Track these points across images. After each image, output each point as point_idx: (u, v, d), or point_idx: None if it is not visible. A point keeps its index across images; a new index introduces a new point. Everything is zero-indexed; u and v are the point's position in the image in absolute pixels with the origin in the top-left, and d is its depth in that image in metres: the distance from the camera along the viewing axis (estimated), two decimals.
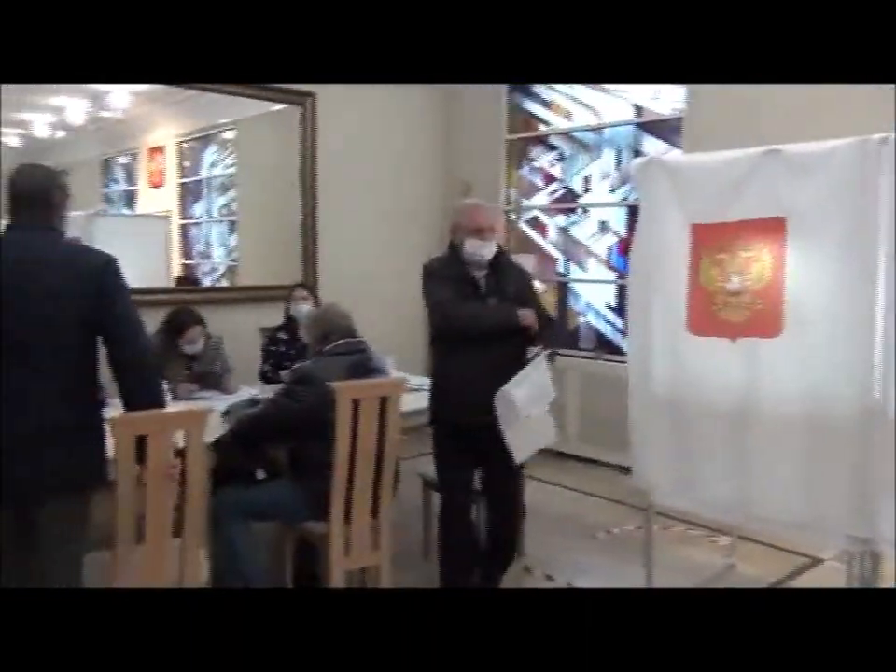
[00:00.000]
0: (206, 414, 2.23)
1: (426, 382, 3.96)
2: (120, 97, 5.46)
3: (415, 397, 3.45)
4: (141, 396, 2.15)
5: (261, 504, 2.82)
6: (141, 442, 2.10)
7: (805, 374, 2.42)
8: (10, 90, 4.35)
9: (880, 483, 2.28)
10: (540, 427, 2.81)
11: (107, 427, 2.13)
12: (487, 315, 2.75)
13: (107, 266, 2.12)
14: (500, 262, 2.84)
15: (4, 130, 7.33)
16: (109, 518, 3.47)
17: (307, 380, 2.77)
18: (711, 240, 2.59)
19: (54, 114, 6.84)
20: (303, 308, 3.79)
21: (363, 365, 2.91)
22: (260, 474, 2.92)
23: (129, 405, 2.14)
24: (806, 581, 3.24)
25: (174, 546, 2.23)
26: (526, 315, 2.73)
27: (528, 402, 2.68)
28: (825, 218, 2.35)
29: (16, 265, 2.02)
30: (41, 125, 6.94)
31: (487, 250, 2.76)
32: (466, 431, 2.78)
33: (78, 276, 2.06)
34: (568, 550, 3.71)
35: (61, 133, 7.08)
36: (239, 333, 4.15)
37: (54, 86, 5.11)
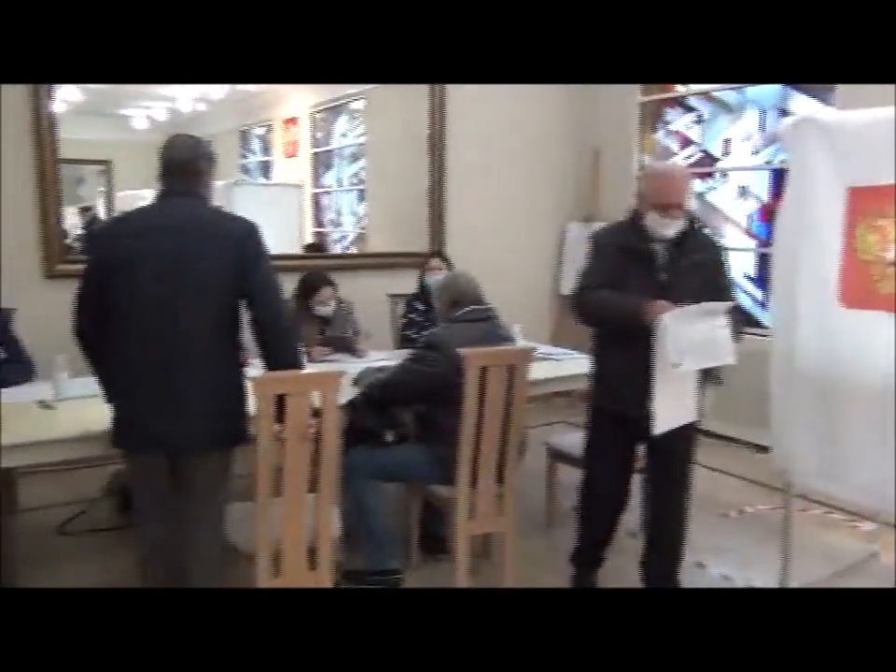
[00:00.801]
0: (341, 377, 2.30)
1: (554, 351, 3.93)
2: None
3: (542, 365, 3.42)
4: (281, 358, 2.24)
5: (391, 465, 2.90)
6: (280, 402, 2.19)
7: None
8: None
9: None
10: (687, 396, 2.49)
11: (249, 387, 2.24)
12: (613, 305, 2.47)
13: (251, 233, 2.21)
14: (688, 235, 2.50)
15: (152, 104, 7.79)
16: (250, 472, 3.69)
17: (437, 346, 2.81)
18: (870, 205, 2.38)
19: (198, 90, 7.20)
20: (437, 277, 3.82)
21: (491, 332, 2.93)
22: (389, 437, 2.99)
23: (269, 366, 2.24)
24: None
25: (309, 501, 2.32)
26: (657, 307, 2.34)
27: (685, 349, 2.31)
28: None
29: (168, 231, 2.14)
30: (185, 100, 7.32)
31: (671, 229, 2.46)
32: (625, 421, 2.57)
33: (225, 243, 2.16)
34: (700, 530, 3.60)
35: (202, 107, 7.46)
36: (368, 299, 4.24)
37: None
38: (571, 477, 3.61)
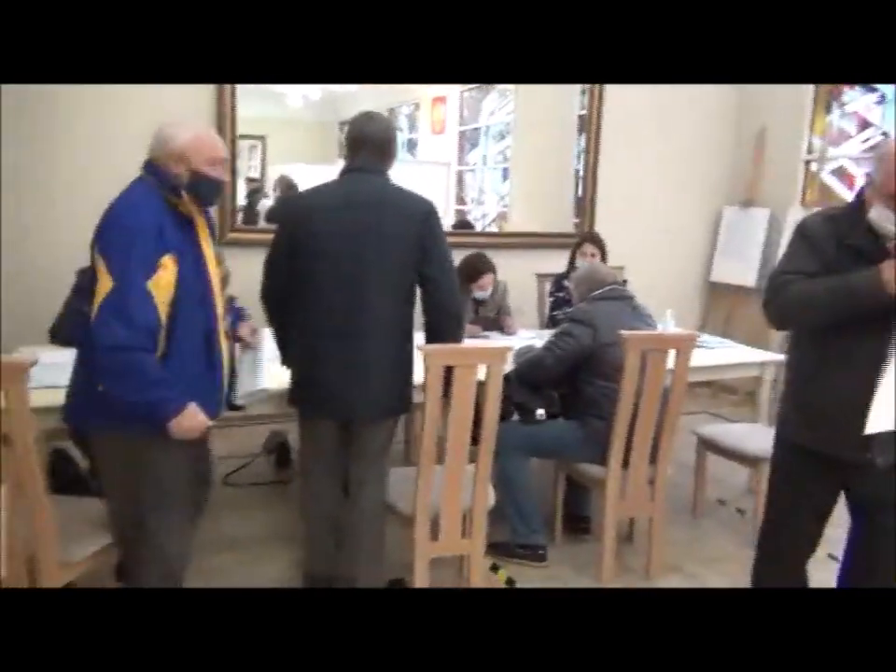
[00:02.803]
0: (507, 351, 2.35)
1: (705, 339, 3.83)
2: None
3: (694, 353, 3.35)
4: (447, 334, 2.33)
5: (543, 441, 2.95)
6: (448, 374, 2.26)
7: None
8: None
9: None
10: None
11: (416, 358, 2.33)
12: (833, 286, 1.85)
13: (431, 212, 2.30)
14: None
15: (309, 85, 8.09)
16: (406, 438, 3.81)
17: (582, 321, 2.87)
18: None
19: None
20: (583, 264, 3.78)
21: (632, 310, 2.96)
22: (540, 414, 3.03)
23: (433, 341, 2.33)
24: None
25: (468, 471, 2.40)
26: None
27: None
28: None
29: (358, 207, 2.25)
30: None
31: None
32: (835, 465, 1.99)
33: (409, 221, 2.26)
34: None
35: (354, 87, 7.68)
36: (516, 278, 4.28)
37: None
38: (718, 467, 3.54)
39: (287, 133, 6.68)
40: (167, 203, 1.89)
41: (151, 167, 1.93)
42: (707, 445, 3.39)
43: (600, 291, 2.97)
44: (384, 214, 2.25)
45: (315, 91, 8.02)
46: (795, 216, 4.99)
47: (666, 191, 5.32)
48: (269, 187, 6.63)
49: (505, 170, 6.87)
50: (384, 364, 2.28)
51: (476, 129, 7.49)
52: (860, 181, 4.91)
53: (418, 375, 2.35)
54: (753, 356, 3.63)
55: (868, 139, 4.84)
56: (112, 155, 3.61)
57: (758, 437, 3.22)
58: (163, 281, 1.82)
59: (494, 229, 6.89)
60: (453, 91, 7.69)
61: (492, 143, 7.23)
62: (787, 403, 2.11)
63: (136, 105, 3.71)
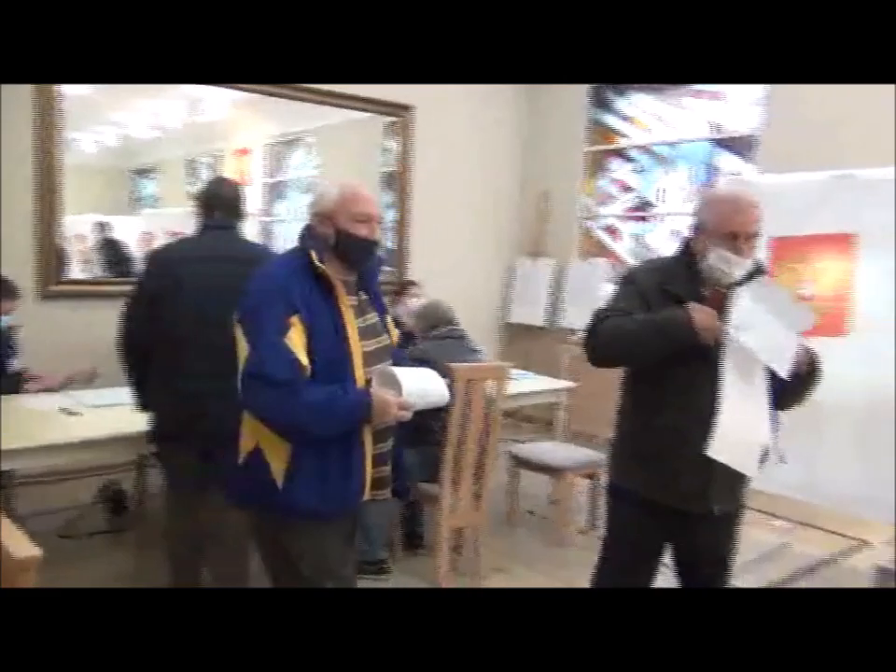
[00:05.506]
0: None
1: (514, 372, 4.36)
2: (215, 102, 5.95)
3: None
4: None
5: None
6: None
7: (866, 371, 2.79)
8: (111, 92, 4.75)
9: None
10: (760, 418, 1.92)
11: None
12: (637, 325, 1.85)
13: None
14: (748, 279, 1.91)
15: (102, 129, 7.89)
16: None
17: (422, 360, 3.21)
18: (787, 252, 2.96)
19: (152, 116, 7.38)
20: (414, 303, 4.20)
21: (466, 348, 3.40)
22: None
23: None
24: (855, 560, 3.58)
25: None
26: (706, 318, 1.81)
27: (746, 325, 1.83)
28: (890, 234, 2.71)
29: (217, 259, 2.51)
30: (138, 126, 7.49)
31: (741, 269, 1.88)
32: (667, 511, 1.97)
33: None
34: None
35: (155, 134, 7.63)
36: None
37: (154, 90, 5.54)
38: (526, 482, 4.07)
39: (80, 180, 6.52)
40: (310, 269, 1.83)
41: (305, 231, 1.92)
42: (518, 462, 3.91)
43: (441, 331, 3.37)
44: (239, 265, 2.46)
45: (111, 139, 7.84)
46: (574, 265, 5.82)
47: (467, 244, 5.97)
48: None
49: None
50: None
51: (282, 181, 7.75)
52: (625, 237, 5.84)
53: None
54: (551, 384, 4.25)
55: (629, 201, 5.80)
56: None
57: (559, 452, 3.82)
58: (294, 341, 1.78)
59: None
60: (258, 144, 7.91)
61: (299, 195, 7.53)
62: (619, 451, 2.07)
63: None
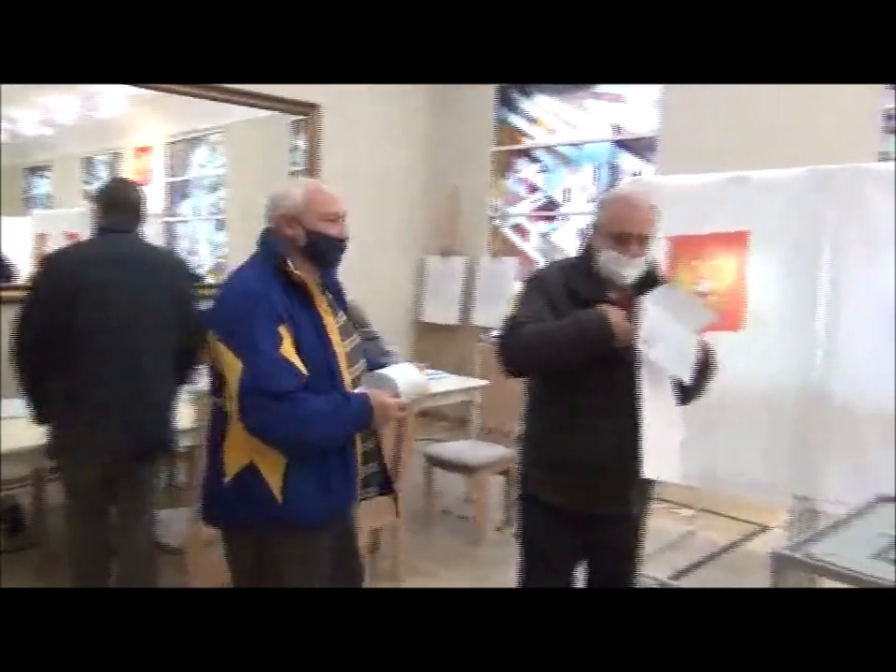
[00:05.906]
0: None
1: (428, 371, 4.39)
2: (112, 99, 5.72)
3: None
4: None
5: None
6: None
7: (761, 361, 2.93)
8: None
9: (820, 451, 2.81)
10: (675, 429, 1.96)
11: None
12: (556, 329, 1.85)
13: (181, 263, 2.68)
14: (648, 282, 1.94)
15: None
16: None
17: None
18: (687, 250, 3.08)
19: (44, 112, 7.04)
20: None
21: (379, 349, 3.37)
22: None
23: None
24: (756, 545, 3.78)
25: None
26: (624, 325, 1.81)
27: (655, 337, 1.84)
28: (781, 233, 2.87)
29: (117, 261, 2.43)
30: (29, 122, 7.12)
31: (632, 269, 1.90)
32: (575, 517, 1.98)
33: (162, 271, 2.54)
34: None
35: (48, 131, 7.28)
36: None
37: (46, 84, 5.32)
38: (440, 481, 4.10)
39: None
40: (282, 275, 1.77)
41: (265, 235, 1.85)
42: (433, 462, 3.93)
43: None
44: (141, 266, 2.46)
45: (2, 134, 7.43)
46: (485, 263, 5.89)
47: (379, 244, 5.94)
48: None
49: (218, 221, 7.01)
50: (148, 405, 2.45)
51: (186, 180, 7.52)
52: (533, 236, 5.95)
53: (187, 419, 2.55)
54: (465, 383, 4.28)
55: (536, 200, 5.91)
56: None
57: (474, 451, 3.85)
58: (288, 351, 1.72)
59: (210, 280, 6.97)
60: (159, 143, 7.65)
61: (204, 194, 7.32)
62: (528, 460, 2.06)
63: None
